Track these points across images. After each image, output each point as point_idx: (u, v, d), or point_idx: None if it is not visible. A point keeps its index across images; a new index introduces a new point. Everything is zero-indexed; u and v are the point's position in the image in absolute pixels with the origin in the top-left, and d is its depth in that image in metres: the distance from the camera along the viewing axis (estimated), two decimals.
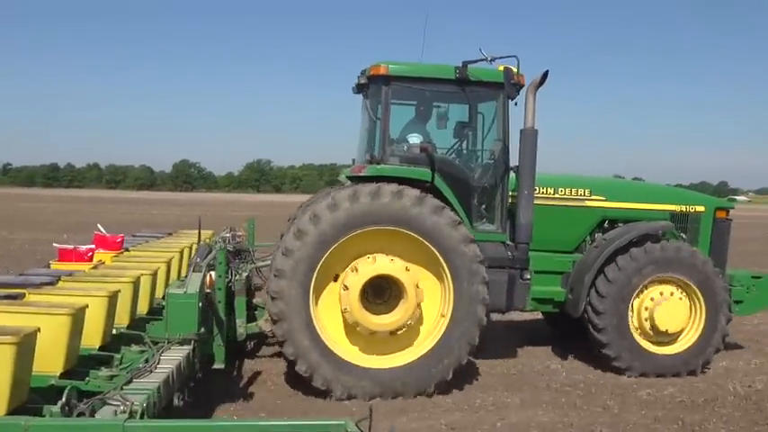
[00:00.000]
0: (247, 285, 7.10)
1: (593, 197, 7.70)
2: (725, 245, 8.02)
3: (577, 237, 7.73)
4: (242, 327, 6.74)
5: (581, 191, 7.68)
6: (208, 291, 5.11)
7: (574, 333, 7.86)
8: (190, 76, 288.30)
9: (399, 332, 6.26)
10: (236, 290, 6.77)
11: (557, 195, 7.64)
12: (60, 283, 5.39)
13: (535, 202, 7.42)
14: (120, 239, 7.91)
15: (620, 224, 7.71)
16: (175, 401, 5.31)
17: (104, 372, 4.22)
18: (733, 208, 8.24)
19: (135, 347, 4.95)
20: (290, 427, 3.34)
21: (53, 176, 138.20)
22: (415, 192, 6.25)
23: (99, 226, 8.09)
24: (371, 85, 7.11)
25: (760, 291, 7.96)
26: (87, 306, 4.28)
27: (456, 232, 6.22)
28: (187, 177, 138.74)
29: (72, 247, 7.00)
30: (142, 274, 5.76)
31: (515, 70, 6.67)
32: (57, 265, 6.65)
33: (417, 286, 6.20)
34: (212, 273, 5.28)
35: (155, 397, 3.86)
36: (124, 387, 3.88)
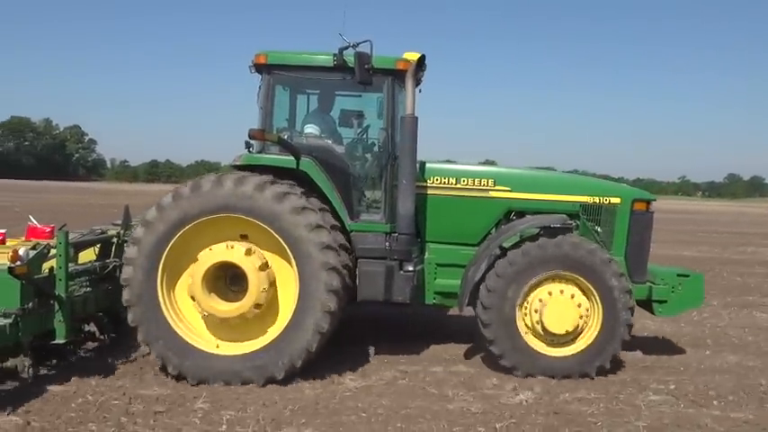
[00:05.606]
0: None
1: (497, 188, 7.34)
2: (645, 239, 7.44)
3: (482, 229, 7.41)
4: None
5: (484, 181, 7.34)
6: (11, 265, 5.34)
7: None
8: None
9: (250, 318, 6.21)
10: None
11: (459, 186, 7.34)
12: None
13: (436, 192, 7.34)
14: (49, 230, 8.35)
15: (528, 216, 7.37)
16: (24, 373, 5.71)
17: None
18: (654, 200, 7.61)
19: None
20: None
21: (153, 172, 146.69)
22: (259, 179, 6.20)
23: (31, 217, 8.56)
24: (258, 74, 7.17)
25: (686, 290, 7.30)
26: None
27: (298, 219, 6.09)
28: None
29: None
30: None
31: (369, 55, 6.49)
32: None
33: (265, 275, 6.15)
34: (21, 249, 5.53)
35: None
36: None
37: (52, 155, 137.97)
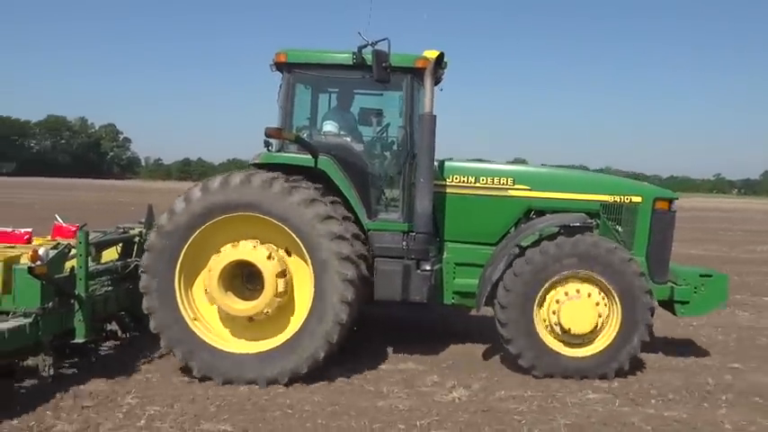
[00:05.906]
0: None
1: (516, 186, 7.26)
2: (667, 239, 7.32)
3: (501, 228, 7.34)
4: None
5: (504, 180, 7.27)
6: (31, 265, 5.44)
7: None
8: None
9: (260, 319, 6.25)
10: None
11: (478, 185, 7.28)
12: None
13: (455, 191, 7.30)
14: (74, 229, 8.48)
15: (548, 215, 7.28)
16: (44, 372, 5.78)
17: None
18: (677, 198, 7.45)
19: None
20: None
21: (185, 170, 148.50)
22: (284, 180, 6.21)
23: (57, 216, 8.71)
24: (279, 73, 7.19)
25: (709, 291, 7.15)
26: None
27: (319, 227, 6.08)
28: None
29: (10, 229, 7.66)
30: (23, 254, 6.22)
31: (387, 53, 6.46)
32: None
33: (281, 276, 6.16)
34: (41, 249, 5.62)
35: None
36: None
37: (87, 153, 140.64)
